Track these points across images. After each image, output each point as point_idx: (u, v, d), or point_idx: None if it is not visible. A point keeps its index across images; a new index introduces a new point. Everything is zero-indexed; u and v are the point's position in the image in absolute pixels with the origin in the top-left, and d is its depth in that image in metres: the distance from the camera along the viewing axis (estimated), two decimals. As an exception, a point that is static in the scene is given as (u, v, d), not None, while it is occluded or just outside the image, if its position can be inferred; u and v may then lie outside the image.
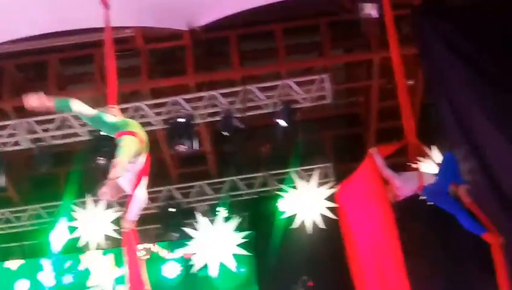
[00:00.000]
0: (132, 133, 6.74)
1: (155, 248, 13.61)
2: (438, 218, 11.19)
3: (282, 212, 12.76)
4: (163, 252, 13.65)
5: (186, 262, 13.35)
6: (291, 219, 12.66)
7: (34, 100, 6.78)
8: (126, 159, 6.48)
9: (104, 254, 13.57)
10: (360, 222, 8.31)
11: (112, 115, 7.02)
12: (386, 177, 8.21)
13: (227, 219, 13.07)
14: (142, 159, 6.79)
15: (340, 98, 12.84)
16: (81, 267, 13.63)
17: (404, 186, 8.07)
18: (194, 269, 13.10)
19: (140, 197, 6.85)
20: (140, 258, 7.30)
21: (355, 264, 8.35)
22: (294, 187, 12.80)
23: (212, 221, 13.06)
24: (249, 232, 13.25)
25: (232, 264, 12.97)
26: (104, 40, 7.14)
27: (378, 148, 8.28)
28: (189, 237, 13.07)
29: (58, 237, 13.18)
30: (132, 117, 11.80)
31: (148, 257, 13.43)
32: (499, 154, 7.48)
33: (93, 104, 11.90)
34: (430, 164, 8.93)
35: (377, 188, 8.07)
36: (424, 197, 8.38)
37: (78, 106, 6.83)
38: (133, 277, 7.00)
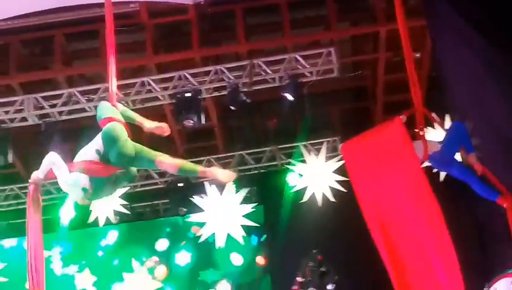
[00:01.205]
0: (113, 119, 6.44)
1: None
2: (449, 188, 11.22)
3: (291, 186, 12.76)
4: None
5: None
6: (300, 192, 12.65)
7: None
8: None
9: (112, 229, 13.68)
10: (377, 183, 8.19)
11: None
12: None
13: (235, 193, 13.07)
14: None
15: (347, 71, 12.79)
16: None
17: None
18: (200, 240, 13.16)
19: None
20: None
21: (378, 230, 8.22)
22: (302, 161, 12.79)
23: (220, 195, 13.05)
24: (258, 206, 13.27)
25: (240, 237, 12.98)
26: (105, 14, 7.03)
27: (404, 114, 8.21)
28: (198, 211, 13.09)
29: (67, 212, 13.21)
30: (138, 92, 11.83)
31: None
32: (509, 117, 7.44)
33: (98, 79, 11.98)
34: (438, 133, 8.90)
35: (406, 153, 7.96)
36: (431, 166, 8.34)
37: None
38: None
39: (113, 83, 6.81)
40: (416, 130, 8.00)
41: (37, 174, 6.70)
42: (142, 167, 6.71)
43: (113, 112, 6.54)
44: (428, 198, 7.51)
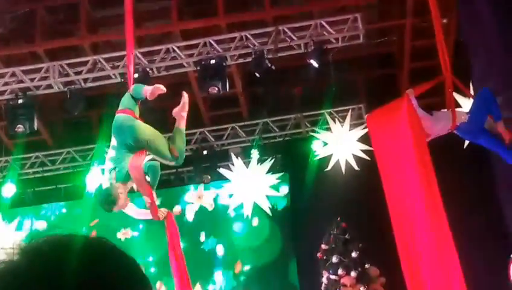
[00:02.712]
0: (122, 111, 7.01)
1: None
2: (473, 157, 11.15)
3: (316, 154, 12.73)
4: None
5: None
6: (324, 160, 12.63)
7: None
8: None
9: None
10: (392, 158, 8.20)
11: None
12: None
13: (260, 161, 13.08)
14: None
15: (373, 37, 12.68)
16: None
17: (434, 125, 7.95)
18: (229, 210, 13.20)
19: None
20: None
21: (391, 202, 8.25)
22: (327, 129, 12.74)
23: (245, 163, 13.07)
24: (283, 173, 13.27)
25: (266, 205, 13.01)
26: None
27: (414, 89, 8.15)
28: (223, 179, 13.12)
29: (92, 179, 13.26)
30: (163, 59, 11.80)
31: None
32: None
33: (123, 46, 11.95)
34: (466, 101, 8.82)
35: (413, 130, 7.93)
36: (459, 135, 8.28)
37: None
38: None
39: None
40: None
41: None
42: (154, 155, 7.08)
43: (123, 102, 7.06)
44: (430, 179, 7.51)
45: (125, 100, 7.09)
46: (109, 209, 6.87)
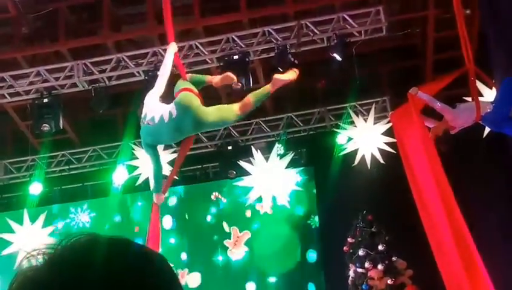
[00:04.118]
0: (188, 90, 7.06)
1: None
2: (496, 147, 11.10)
3: (341, 148, 12.70)
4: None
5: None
6: (349, 154, 12.59)
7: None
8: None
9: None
10: (411, 154, 8.25)
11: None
12: (438, 110, 8.10)
13: (284, 155, 13.07)
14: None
15: (396, 30, 12.62)
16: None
17: (458, 117, 7.94)
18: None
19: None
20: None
21: (416, 194, 8.30)
22: (351, 122, 12.71)
23: (269, 158, 13.07)
24: (308, 168, 13.26)
25: (292, 200, 13.01)
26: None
27: (419, 87, 8.18)
28: (247, 174, 13.12)
29: (119, 176, 13.33)
30: (186, 56, 11.83)
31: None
32: None
33: (147, 44, 12.02)
34: (490, 91, 8.78)
35: (419, 132, 8.01)
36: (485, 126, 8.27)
37: None
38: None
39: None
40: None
41: None
42: (218, 127, 7.32)
43: (185, 84, 7.18)
44: (438, 171, 7.55)
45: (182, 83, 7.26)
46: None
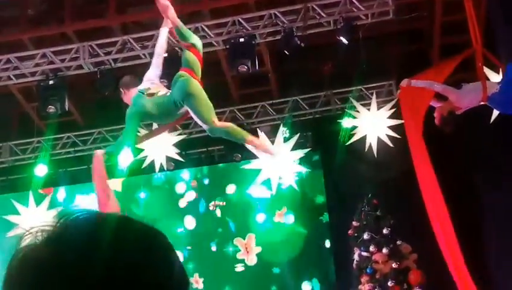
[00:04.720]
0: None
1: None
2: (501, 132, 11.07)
3: (347, 131, 12.67)
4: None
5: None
6: (355, 137, 12.57)
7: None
8: None
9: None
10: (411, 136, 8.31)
11: None
12: (441, 92, 8.07)
13: (290, 139, 13.05)
14: None
15: (403, 13, 12.56)
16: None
17: (464, 98, 7.91)
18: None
19: None
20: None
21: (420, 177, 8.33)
22: (357, 106, 12.67)
23: (274, 141, 13.05)
24: (313, 151, 13.24)
25: (298, 183, 13.02)
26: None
27: (421, 75, 8.21)
28: (254, 158, 13.12)
29: (124, 159, 13.31)
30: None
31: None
32: None
33: (153, 26, 11.97)
34: (497, 76, 8.75)
35: (412, 124, 8.06)
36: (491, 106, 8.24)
37: None
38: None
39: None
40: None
41: None
42: (194, 113, 7.20)
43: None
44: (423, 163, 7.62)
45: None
46: None
